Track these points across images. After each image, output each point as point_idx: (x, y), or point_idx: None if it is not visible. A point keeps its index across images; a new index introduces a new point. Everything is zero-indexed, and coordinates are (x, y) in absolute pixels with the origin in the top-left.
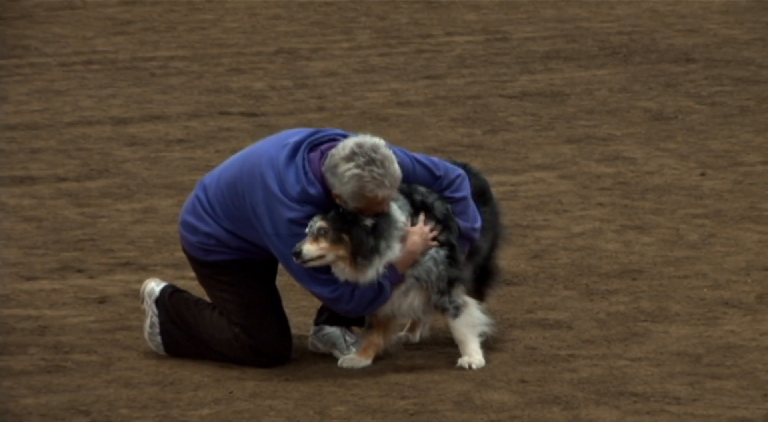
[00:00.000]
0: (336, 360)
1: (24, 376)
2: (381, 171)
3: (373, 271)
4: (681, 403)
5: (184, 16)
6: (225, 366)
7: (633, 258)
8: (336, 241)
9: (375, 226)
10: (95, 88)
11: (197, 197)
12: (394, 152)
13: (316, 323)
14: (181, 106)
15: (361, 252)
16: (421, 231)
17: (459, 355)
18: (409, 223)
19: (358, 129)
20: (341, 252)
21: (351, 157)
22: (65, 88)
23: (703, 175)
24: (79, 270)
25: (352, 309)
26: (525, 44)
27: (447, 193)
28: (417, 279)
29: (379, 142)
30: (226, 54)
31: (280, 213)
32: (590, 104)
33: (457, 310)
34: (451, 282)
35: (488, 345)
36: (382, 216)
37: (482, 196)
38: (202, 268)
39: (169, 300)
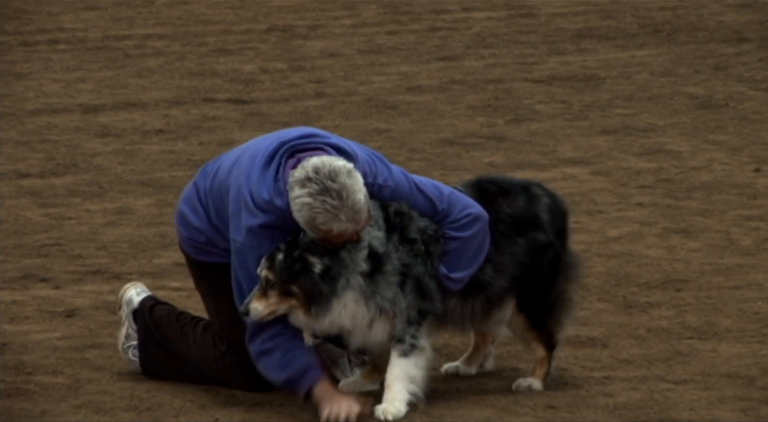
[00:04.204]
0: (336, 382)
1: None
2: (335, 202)
3: (330, 317)
4: None
5: None
6: (210, 389)
7: (677, 267)
8: (285, 294)
9: (327, 270)
10: (62, 71)
11: (195, 185)
12: (389, 176)
13: (316, 334)
14: (159, 91)
15: (316, 301)
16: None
17: (479, 378)
18: (383, 240)
19: (362, 118)
20: (293, 302)
21: (305, 182)
22: (27, 71)
23: (757, 170)
24: (44, 280)
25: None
26: (554, 21)
27: (444, 228)
28: (381, 310)
29: (341, 167)
30: (211, 32)
31: (243, 218)
32: (628, 90)
33: (411, 350)
34: (423, 314)
35: (511, 365)
36: (340, 249)
37: (530, 222)
38: (196, 268)
39: (149, 314)
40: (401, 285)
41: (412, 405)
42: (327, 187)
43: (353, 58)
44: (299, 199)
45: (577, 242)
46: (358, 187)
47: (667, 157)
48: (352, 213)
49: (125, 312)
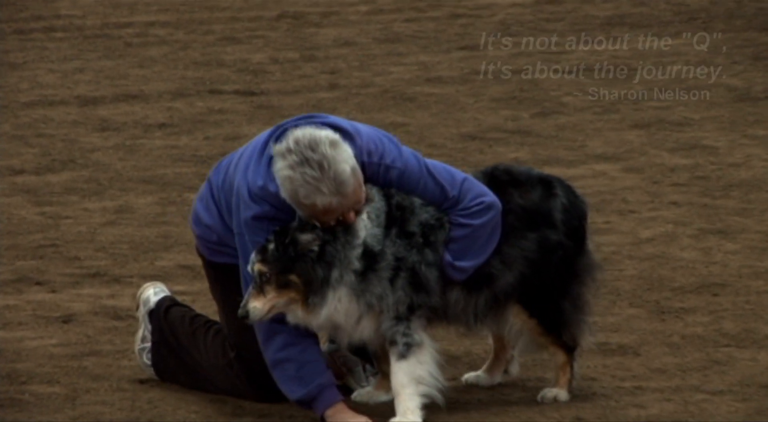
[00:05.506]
0: (350, 391)
1: None
2: (316, 174)
3: (326, 310)
4: None
5: None
6: (216, 399)
7: (714, 270)
8: (282, 286)
9: (322, 250)
10: (58, 60)
11: (209, 181)
12: (398, 156)
13: (332, 339)
14: (162, 82)
15: (313, 290)
16: None
17: (502, 388)
18: (380, 237)
19: (379, 111)
20: (292, 295)
21: (285, 154)
22: (22, 61)
23: None
24: (39, 283)
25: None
26: (582, 8)
27: (452, 215)
28: (369, 306)
29: (322, 137)
30: (217, 19)
31: (241, 210)
32: (662, 81)
33: (407, 350)
34: (413, 309)
35: (536, 374)
36: (337, 233)
37: (542, 218)
38: (210, 270)
39: (164, 316)
40: (392, 280)
41: (432, 407)
42: (306, 157)
43: (369, 47)
44: (280, 172)
45: (607, 243)
46: (342, 157)
47: (703, 152)
48: (334, 185)
49: (142, 312)
